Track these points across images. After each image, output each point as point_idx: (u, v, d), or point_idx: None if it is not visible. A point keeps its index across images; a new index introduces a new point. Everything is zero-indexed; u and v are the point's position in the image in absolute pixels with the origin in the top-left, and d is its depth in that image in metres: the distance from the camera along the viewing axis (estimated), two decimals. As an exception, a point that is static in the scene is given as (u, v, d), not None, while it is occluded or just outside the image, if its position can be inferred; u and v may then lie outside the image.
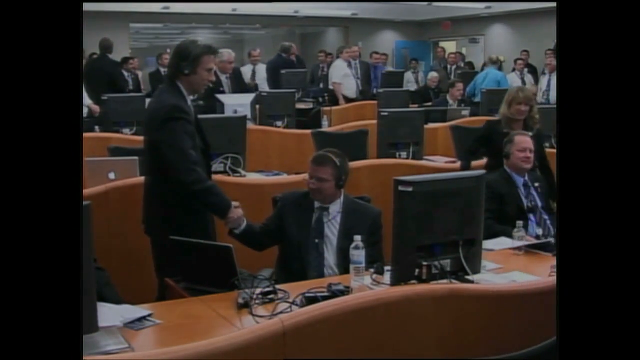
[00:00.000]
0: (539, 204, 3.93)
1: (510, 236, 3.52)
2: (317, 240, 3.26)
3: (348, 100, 9.54)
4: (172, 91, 3.30)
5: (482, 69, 11.98)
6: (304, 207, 3.33)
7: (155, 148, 3.24)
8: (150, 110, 3.39)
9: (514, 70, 10.47)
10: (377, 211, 3.38)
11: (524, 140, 3.98)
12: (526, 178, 3.99)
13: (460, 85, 8.16)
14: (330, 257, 3.24)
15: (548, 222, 3.90)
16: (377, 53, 12.15)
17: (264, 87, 9.06)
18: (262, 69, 9.82)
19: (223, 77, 7.17)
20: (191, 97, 3.42)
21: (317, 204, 3.32)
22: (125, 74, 9.54)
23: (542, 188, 3.99)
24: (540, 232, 3.58)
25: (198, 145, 3.30)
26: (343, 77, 9.75)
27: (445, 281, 2.68)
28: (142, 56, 14.53)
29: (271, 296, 2.67)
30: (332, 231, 3.28)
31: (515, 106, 4.60)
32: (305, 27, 17.44)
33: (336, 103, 9.22)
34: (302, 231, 3.28)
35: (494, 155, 4.66)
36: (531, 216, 3.89)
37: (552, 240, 3.52)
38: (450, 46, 15.28)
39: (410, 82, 11.55)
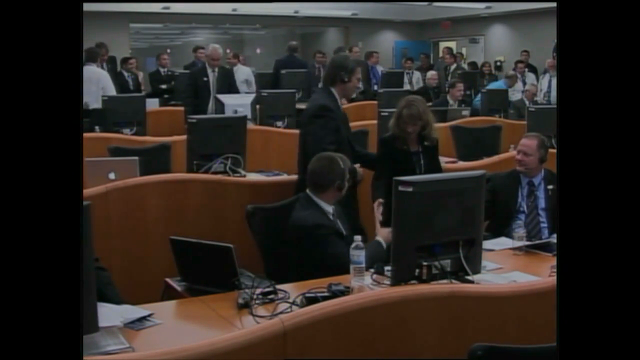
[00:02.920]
0: (541, 205, 3.92)
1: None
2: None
3: (350, 99, 9.52)
4: (325, 94, 4.02)
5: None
6: (327, 220, 3.26)
7: (304, 140, 3.99)
8: (305, 109, 4.18)
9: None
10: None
11: (523, 143, 4.00)
12: (538, 179, 3.95)
13: (460, 86, 8.14)
14: None
15: (541, 224, 3.88)
16: (373, 52, 12.02)
17: (243, 89, 8.76)
18: (241, 71, 9.44)
19: (209, 71, 7.11)
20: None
21: (333, 210, 3.31)
22: (125, 74, 9.54)
23: (555, 191, 3.84)
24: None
25: (344, 137, 3.97)
26: None
27: (445, 281, 2.68)
28: (142, 56, 14.53)
29: (271, 296, 2.68)
30: (345, 228, 3.31)
31: (402, 125, 4.12)
32: (305, 27, 17.44)
33: None
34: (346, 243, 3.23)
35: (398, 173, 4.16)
36: (521, 216, 3.89)
37: (552, 240, 3.52)
38: (450, 46, 15.28)
39: (404, 84, 11.21)
